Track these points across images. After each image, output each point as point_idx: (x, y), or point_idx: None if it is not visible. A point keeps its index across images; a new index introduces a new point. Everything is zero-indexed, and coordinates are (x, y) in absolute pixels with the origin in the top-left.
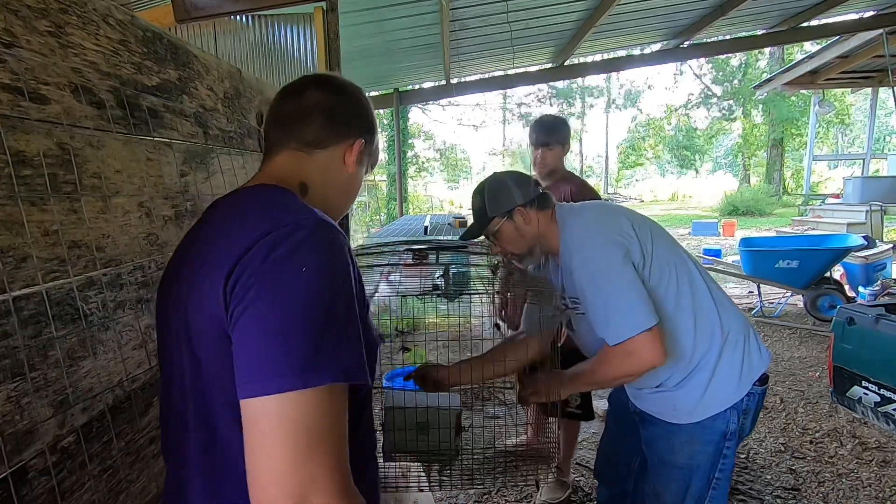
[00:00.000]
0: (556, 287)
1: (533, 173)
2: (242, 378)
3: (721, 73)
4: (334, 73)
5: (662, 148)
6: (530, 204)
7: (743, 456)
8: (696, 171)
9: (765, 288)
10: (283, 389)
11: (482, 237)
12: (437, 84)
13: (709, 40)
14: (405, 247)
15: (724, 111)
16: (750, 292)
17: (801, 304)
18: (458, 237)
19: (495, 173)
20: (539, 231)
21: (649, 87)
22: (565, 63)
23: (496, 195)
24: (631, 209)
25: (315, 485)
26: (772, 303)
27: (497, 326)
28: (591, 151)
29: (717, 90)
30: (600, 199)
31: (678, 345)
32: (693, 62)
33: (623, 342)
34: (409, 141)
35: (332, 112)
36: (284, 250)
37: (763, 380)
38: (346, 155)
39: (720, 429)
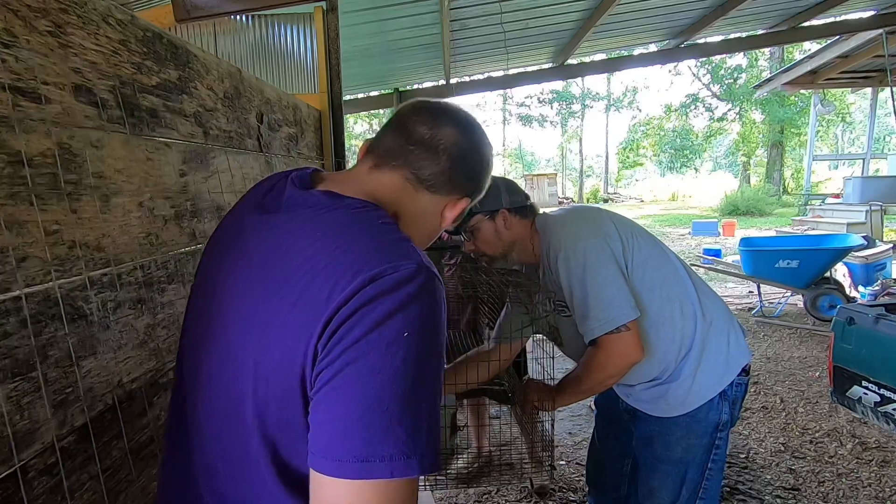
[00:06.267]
0: (544, 287)
1: None
2: (324, 451)
3: (721, 73)
4: (470, 114)
5: (660, 147)
6: (515, 211)
7: (743, 456)
8: (696, 170)
9: (765, 288)
10: (371, 476)
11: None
12: (436, 84)
13: (709, 40)
14: None
15: (717, 108)
16: (750, 292)
17: (801, 304)
18: None
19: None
20: (516, 238)
21: (646, 87)
22: (565, 63)
23: (485, 193)
24: (611, 211)
25: None
26: (772, 303)
27: (472, 332)
28: (591, 151)
29: (716, 90)
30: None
31: (666, 336)
32: (691, 62)
33: (602, 340)
34: None
35: (459, 161)
36: (390, 305)
37: (746, 370)
38: (447, 208)
39: (714, 420)
